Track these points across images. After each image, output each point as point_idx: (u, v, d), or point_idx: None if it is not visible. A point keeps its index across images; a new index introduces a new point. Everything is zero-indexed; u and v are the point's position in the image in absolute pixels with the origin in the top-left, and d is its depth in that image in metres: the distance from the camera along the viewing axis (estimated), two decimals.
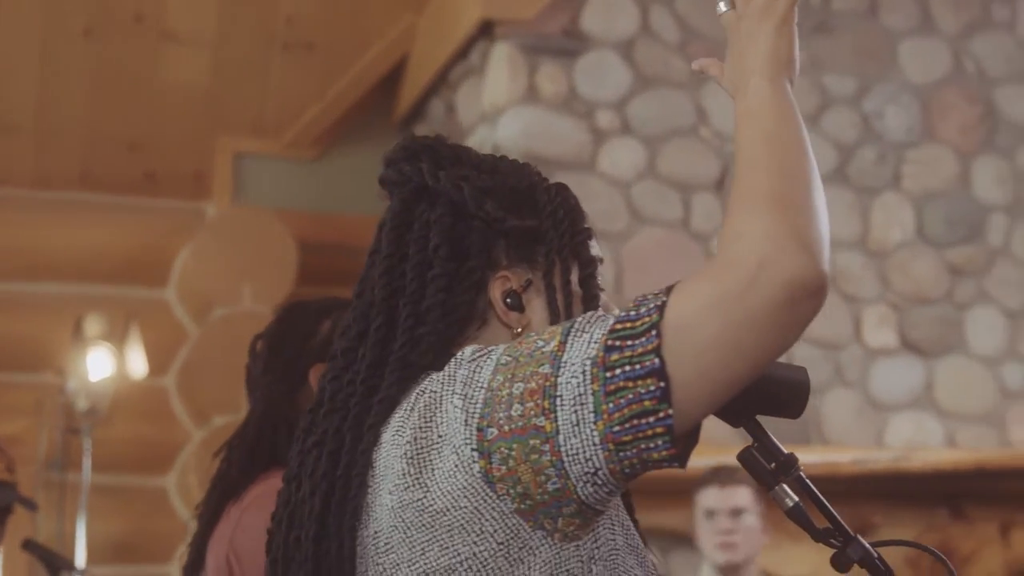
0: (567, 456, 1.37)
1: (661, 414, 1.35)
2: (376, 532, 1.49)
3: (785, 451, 1.77)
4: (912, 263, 5.80)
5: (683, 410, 1.37)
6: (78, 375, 5.49)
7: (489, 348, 1.48)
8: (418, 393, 1.50)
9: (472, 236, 1.61)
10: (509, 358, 1.43)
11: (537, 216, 1.65)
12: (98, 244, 5.97)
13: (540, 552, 1.42)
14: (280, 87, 6.18)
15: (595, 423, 1.36)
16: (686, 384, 1.35)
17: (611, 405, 1.35)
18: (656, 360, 1.35)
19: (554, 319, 1.61)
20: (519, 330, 1.61)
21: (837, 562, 1.75)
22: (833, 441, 5.52)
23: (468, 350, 1.49)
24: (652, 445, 1.36)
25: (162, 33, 5.90)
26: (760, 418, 1.78)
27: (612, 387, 1.36)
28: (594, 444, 1.36)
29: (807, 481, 1.76)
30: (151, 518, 5.87)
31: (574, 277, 1.65)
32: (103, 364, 5.52)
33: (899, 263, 5.79)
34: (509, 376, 1.41)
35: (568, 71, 5.52)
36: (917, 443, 5.62)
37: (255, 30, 6.02)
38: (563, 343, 1.40)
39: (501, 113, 5.47)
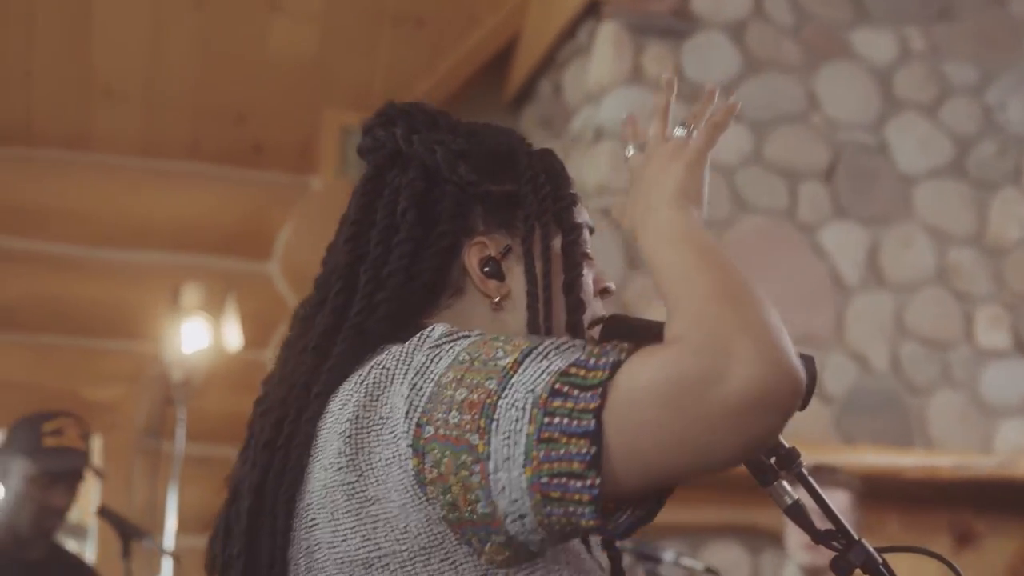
0: (495, 487, 1.26)
1: (588, 481, 1.22)
2: (307, 505, 1.42)
3: (787, 445, 1.65)
4: None
5: (613, 481, 1.23)
6: (174, 345, 5.50)
7: (459, 333, 1.38)
8: (372, 366, 1.41)
9: (445, 201, 1.54)
10: (467, 357, 1.33)
11: (516, 181, 1.56)
12: (202, 214, 5.99)
13: (463, 569, 1.32)
14: (389, 62, 6.14)
15: (524, 467, 1.24)
16: (619, 458, 1.22)
17: (542, 454, 1.23)
18: (593, 422, 1.22)
19: (532, 287, 1.52)
20: (498, 299, 1.53)
21: (837, 567, 1.63)
22: (937, 445, 5.31)
23: (438, 330, 1.39)
24: (578, 511, 1.24)
25: (271, 4, 5.89)
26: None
27: (546, 435, 1.24)
28: (521, 488, 1.25)
29: (808, 478, 1.63)
30: None
31: (557, 243, 1.56)
32: (199, 335, 5.52)
33: (1016, 262, 5.55)
34: (459, 377, 1.31)
35: (675, 52, 5.39)
36: None
37: (364, 3, 5.98)
38: (519, 362, 1.29)
39: (605, 94, 5.36)
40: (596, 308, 1.62)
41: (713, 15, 5.43)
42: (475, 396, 1.29)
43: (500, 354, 1.31)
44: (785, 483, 1.63)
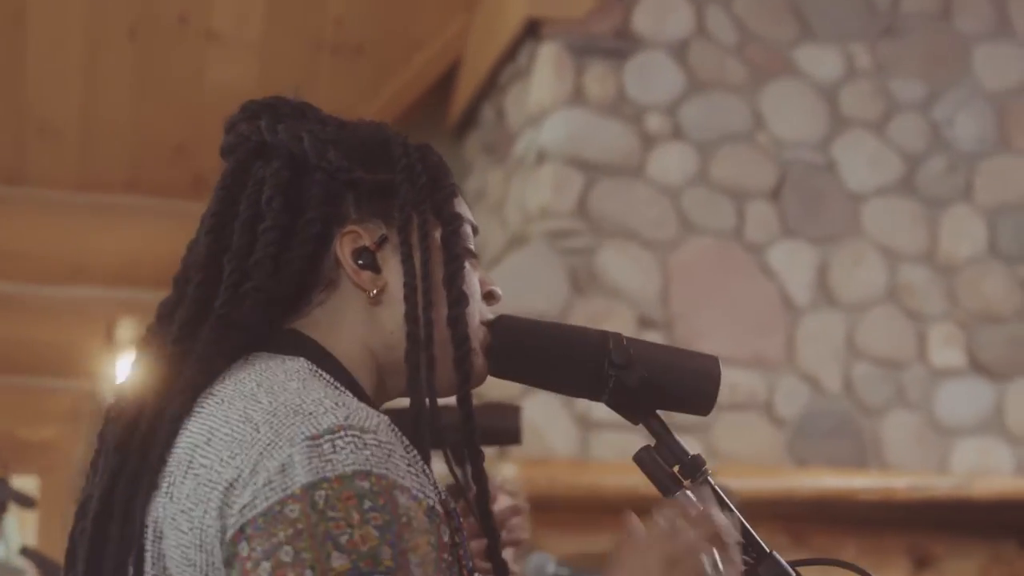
0: None
1: None
2: (156, 520, 1.31)
3: (690, 452, 1.55)
4: (983, 280, 5.48)
5: None
6: (111, 382, 5.37)
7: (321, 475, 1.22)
8: (244, 438, 1.27)
9: (313, 188, 1.44)
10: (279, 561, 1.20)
11: (391, 169, 1.46)
12: (141, 248, 5.86)
13: None
14: (329, 90, 6.02)
15: None
16: None
17: None
18: None
19: (410, 279, 1.42)
20: (374, 292, 1.43)
21: None
22: (893, 466, 5.21)
23: (298, 456, 1.23)
24: None
25: (207, 34, 5.79)
26: (666, 416, 1.57)
27: None
28: None
29: (716, 487, 1.53)
30: None
31: (437, 235, 1.46)
32: None
33: (969, 279, 5.47)
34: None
35: (617, 73, 5.30)
36: (984, 470, 5.29)
37: (302, 32, 5.89)
38: None
39: (546, 116, 5.27)
40: (484, 310, 1.53)
41: (655, 34, 5.35)
42: None
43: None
44: (689, 493, 1.53)
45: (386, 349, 1.43)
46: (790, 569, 1.51)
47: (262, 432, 1.26)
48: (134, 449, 1.34)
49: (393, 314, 1.42)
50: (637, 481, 4.73)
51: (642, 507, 4.22)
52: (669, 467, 1.53)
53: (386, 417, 1.31)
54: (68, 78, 5.75)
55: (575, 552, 4.48)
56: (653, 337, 5.10)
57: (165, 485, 1.31)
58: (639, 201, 5.21)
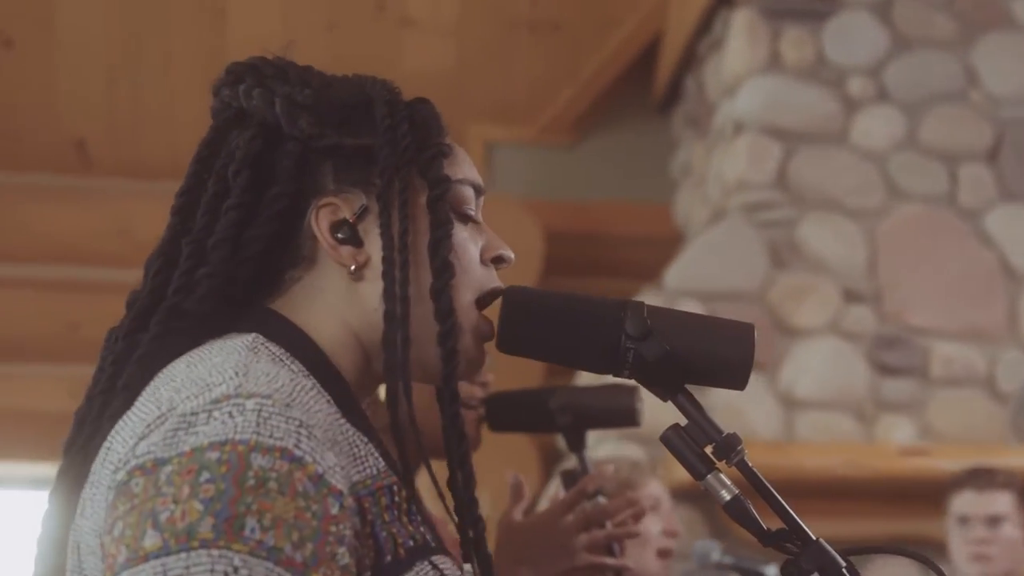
0: None
1: None
2: (80, 510, 1.27)
3: (723, 431, 1.41)
4: None
5: None
6: None
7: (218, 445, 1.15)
8: (155, 420, 1.21)
9: (284, 160, 1.34)
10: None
11: (373, 134, 1.35)
12: None
13: None
14: (528, 71, 5.97)
15: None
16: None
17: None
18: None
19: (388, 251, 1.31)
20: (354, 268, 1.32)
21: (787, 573, 1.37)
22: None
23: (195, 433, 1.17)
24: None
25: (403, 20, 5.80)
26: (696, 390, 1.42)
27: None
28: None
29: (753, 469, 1.38)
30: None
31: (423, 200, 1.35)
32: None
33: None
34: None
35: (815, 35, 5.07)
36: None
37: (498, 12, 5.84)
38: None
39: (742, 85, 5.07)
40: (487, 279, 1.40)
41: None
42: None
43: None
44: (723, 475, 1.38)
45: (369, 328, 1.33)
46: (838, 556, 1.35)
47: (162, 407, 1.21)
48: (78, 449, 1.30)
49: (376, 290, 1.32)
50: (839, 462, 4.52)
51: (845, 490, 4.00)
52: (700, 447, 1.38)
53: (308, 383, 1.24)
54: None
55: None
56: (860, 311, 4.86)
57: (91, 475, 1.26)
58: (842, 169, 4.97)
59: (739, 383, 1.40)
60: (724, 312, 4.73)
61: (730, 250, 4.90)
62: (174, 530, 1.11)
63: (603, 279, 5.84)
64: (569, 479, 2.30)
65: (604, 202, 6.02)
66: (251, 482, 1.12)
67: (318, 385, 1.26)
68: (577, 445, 2.30)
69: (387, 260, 1.31)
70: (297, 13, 5.75)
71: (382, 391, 2.13)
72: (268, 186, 1.33)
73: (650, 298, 4.81)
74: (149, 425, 1.20)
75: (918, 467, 4.54)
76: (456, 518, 1.38)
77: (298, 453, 1.15)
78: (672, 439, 1.38)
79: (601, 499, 2.29)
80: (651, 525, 2.92)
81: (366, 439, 1.27)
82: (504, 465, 5.58)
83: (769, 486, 1.37)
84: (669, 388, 1.39)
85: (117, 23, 5.71)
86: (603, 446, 4.49)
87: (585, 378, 4.45)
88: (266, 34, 5.74)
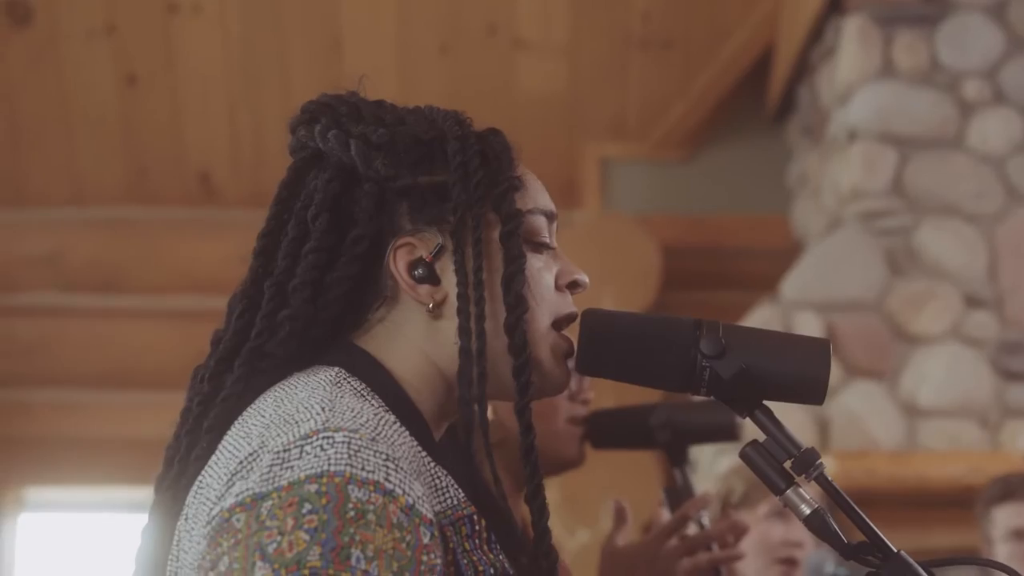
0: None
1: None
2: (177, 544, 1.31)
3: (803, 446, 1.43)
4: None
5: None
6: None
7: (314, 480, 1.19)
8: (250, 454, 1.25)
9: (363, 201, 1.38)
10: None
11: (446, 170, 1.39)
12: None
13: None
14: (641, 87, 5.99)
15: None
16: None
17: None
18: None
19: (462, 288, 1.36)
20: (431, 306, 1.36)
21: None
22: None
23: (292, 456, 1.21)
24: None
25: (515, 42, 5.85)
26: (773, 405, 1.45)
27: None
28: None
29: (832, 483, 1.40)
30: None
31: (496, 235, 1.38)
32: None
33: None
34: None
35: (928, 40, 5.03)
36: None
37: (610, 31, 5.86)
38: None
39: (855, 92, 5.04)
40: (562, 304, 1.44)
41: None
42: None
43: None
44: (802, 490, 1.40)
45: (451, 361, 1.36)
46: (921, 570, 1.36)
47: (252, 444, 1.25)
48: (167, 488, 1.35)
49: (455, 325, 1.36)
50: (964, 471, 4.45)
51: (971, 499, 3.92)
52: (779, 463, 1.40)
53: (390, 417, 1.28)
54: (385, 98, 5.89)
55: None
56: (982, 317, 4.80)
57: (185, 510, 1.32)
58: (959, 173, 4.91)
59: (816, 398, 1.42)
60: (843, 321, 4.74)
61: (847, 259, 4.87)
62: (283, 560, 1.14)
63: (722, 292, 5.83)
64: (672, 495, 2.32)
65: (721, 215, 6.01)
66: (351, 513, 1.16)
67: (398, 420, 1.30)
68: (678, 461, 2.32)
69: (461, 297, 1.35)
70: (410, 39, 5.83)
71: (488, 409, 2.18)
72: (347, 228, 1.37)
73: (768, 310, 4.82)
74: (242, 462, 1.24)
75: None
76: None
77: (389, 486, 1.19)
78: (751, 455, 1.41)
79: (705, 520, 2.31)
80: (772, 531, 2.93)
81: (444, 471, 1.31)
82: (629, 479, 5.62)
83: (849, 500, 1.39)
84: (746, 405, 1.41)
85: (237, 57, 5.85)
86: (723, 459, 4.49)
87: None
88: (381, 61, 5.84)
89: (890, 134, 4.95)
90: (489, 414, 2.20)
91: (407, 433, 1.29)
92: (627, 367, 1.44)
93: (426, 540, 1.19)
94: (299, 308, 1.35)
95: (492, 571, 1.27)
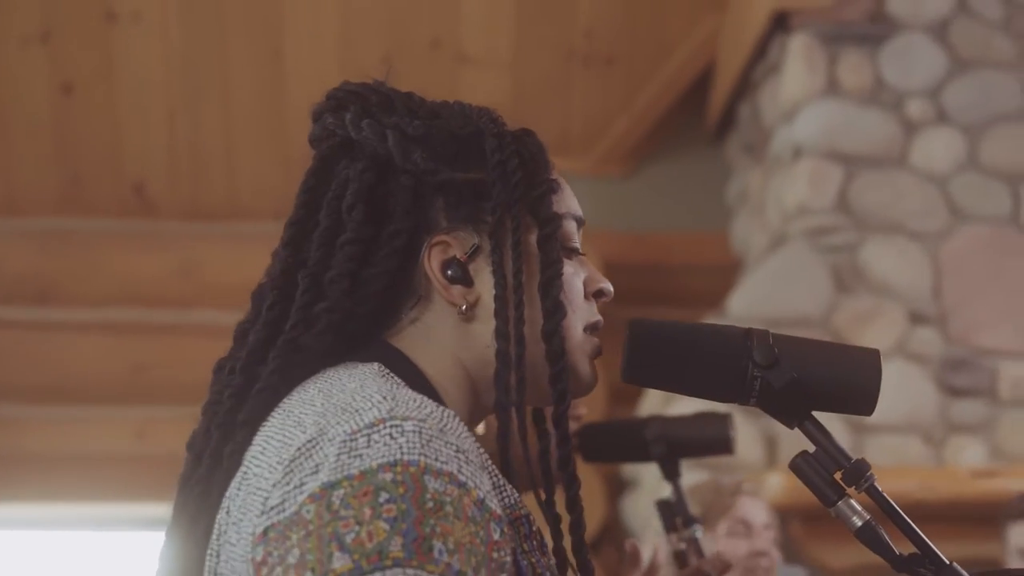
0: None
1: None
2: (217, 538, 1.27)
3: (852, 457, 1.41)
4: None
5: None
6: None
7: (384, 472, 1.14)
8: (307, 443, 1.20)
9: (399, 194, 1.35)
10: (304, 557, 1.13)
11: (483, 167, 1.36)
12: None
13: None
14: (584, 103, 6.00)
15: None
16: None
17: None
18: None
19: (501, 290, 1.32)
20: (464, 307, 1.34)
21: None
22: None
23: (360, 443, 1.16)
24: None
25: (459, 56, 5.83)
26: (821, 416, 1.43)
27: None
28: None
29: (883, 494, 1.39)
30: None
31: (533, 238, 1.36)
32: None
33: None
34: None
35: (873, 59, 5.08)
36: None
37: (553, 46, 5.87)
38: None
39: (800, 110, 5.08)
40: (591, 312, 1.41)
41: (912, 16, 5.10)
42: None
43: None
44: (853, 502, 1.39)
45: (480, 364, 1.34)
46: None
47: (308, 432, 1.20)
48: (198, 481, 1.31)
49: (488, 329, 1.33)
50: (912, 486, 4.44)
51: (918, 514, 3.94)
52: (829, 474, 1.38)
53: (451, 411, 1.23)
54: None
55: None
56: (927, 334, 4.85)
57: (225, 504, 1.27)
58: (903, 192, 4.97)
59: (867, 409, 1.41)
60: None
61: (793, 276, 4.90)
62: (364, 551, 1.09)
63: (663, 308, 5.82)
64: (665, 509, 2.32)
65: (662, 231, 6.03)
66: (430, 504, 1.11)
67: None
68: (672, 474, 2.31)
69: (499, 299, 1.32)
70: (352, 50, 5.79)
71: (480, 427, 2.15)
72: (383, 221, 1.34)
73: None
74: (299, 449, 1.19)
75: (989, 489, 4.51)
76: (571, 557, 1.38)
77: (462, 478, 1.15)
78: (801, 466, 1.39)
79: (698, 531, 2.30)
80: (739, 547, 2.93)
81: (498, 471, 1.29)
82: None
83: (901, 511, 1.38)
84: (796, 415, 1.40)
85: (177, 67, 5.77)
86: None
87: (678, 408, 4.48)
88: (323, 72, 5.79)
89: (836, 152, 4.99)
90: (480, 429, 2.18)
91: (467, 428, 1.25)
92: (675, 377, 1.42)
93: (496, 536, 1.15)
94: (337, 301, 1.31)
95: (549, 574, 1.26)
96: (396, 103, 1.40)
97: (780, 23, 5.20)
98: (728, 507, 3.00)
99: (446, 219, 1.35)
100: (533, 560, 1.25)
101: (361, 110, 1.38)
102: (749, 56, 5.46)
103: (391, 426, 1.16)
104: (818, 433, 1.40)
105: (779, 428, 4.62)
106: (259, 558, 1.16)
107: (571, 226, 1.40)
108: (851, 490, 1.39)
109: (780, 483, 4.30)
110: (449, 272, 1.34)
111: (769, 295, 4.91)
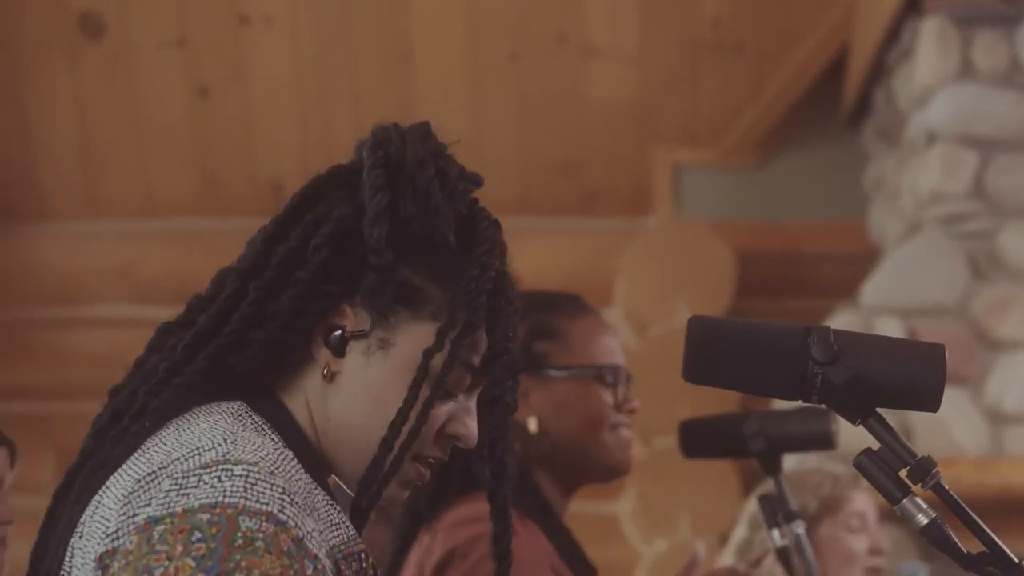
0: None
1: None
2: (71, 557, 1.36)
3: (918, 454, 1.38)
4: None
5: None
6: None
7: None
8: (143, 481, 1.30)
9: (349, 260, 1.39)
10: None
11: (440, 283, 1.39)
12: (540, 268, 5.93)
13: None
14: (712, 92, 5.94)
15: None
16: None
17: None
18: None
19: (411, 396, 1.37)
20: (325, 370, 1.38)
21: None
22: None
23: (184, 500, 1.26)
24: None
25: (586, 49, 5.83)
26: (885, 412, 1.41)
27: None
28: None
29: (950, 491, 1.36)
30: (603, 545, 5.74)
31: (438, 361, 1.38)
32: None
33: None
34: None
35: (1008, 40, 4.94)
36: None
37: (680, 36, 5.83)
38: None
39: (933, 94, 4.96)
40: (432, 448, 1.44)
41: None
42: None
43: None
44: (919, 499, 1.36)
45: (326, 423, 1.40)
46: None
47: (152, 466, 1.30)
48: (80, 472, 1.38)
49: (339, 402, 1.38)
50: None
51: None
52: (894, 471, 1.36)
53: (288, 453, 1.33)
54: (455, 107, 5.91)
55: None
56: None
57: (80, 528, 1.34)
58: None
59: (931, 405, 1.38)
60: (926, 327, 4.66)
61: (928, 264, 4.80)
62: None
63: (797, 299, 5.77)
64: (766, 504, 2.29)
65: (795, 221, 5.95)
66: (239, 542, 1.21)
67: (295, 457, 1.34)
68: (772, 470, 2.28)
69: (408, 402, 1.36)
70: (480, 48, 5.82)
71: (532, 423, 2.16)
72: (332, 272, 1.37)
73: (848, 315, 4.76)
74: (139, 481, 1.29)
75: None
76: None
77: (283, 518, 1.24)
78: (865, 464, 1.37)
79: (799, 527, 2.27)
80: (857, 544, 2.87)
81: (338, 508, 1.35)
82: (704, 488, 5.56)
83: (968, 509, 1.34)
84: (859, 412, 1.37)
85: (308, 68, 5.86)
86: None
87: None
88: (450, 71, 5.84)
89: (970, 136, 4.87)
90: (533, 425, 2.20)
91: (303, 470, 1.33)
92: (736, 375, 1.40)
93: (309, 572, 1.24)
94: (272, 335, 1.37)
95: None
96: (419, 178, 1.40)
97: (912, 6, 5.08)
98: (847, 499, 2.94)
99: (363, 294, 1.38)
100: None
101: (387, 158, 1.40)
102: (882, 40, 5.35)
103: (222, 469, 1.26)
104: (882, 430, 1.37)
105: (914, 419, 4.53)
106: None
107: (464, 377, 1.40)
108: (915, 488, 1.36)
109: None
110: (331, 336, 1.38)
111: (903, 284, 4.81)
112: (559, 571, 2.14)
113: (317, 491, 1.33)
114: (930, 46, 4.99)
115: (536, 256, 5.95)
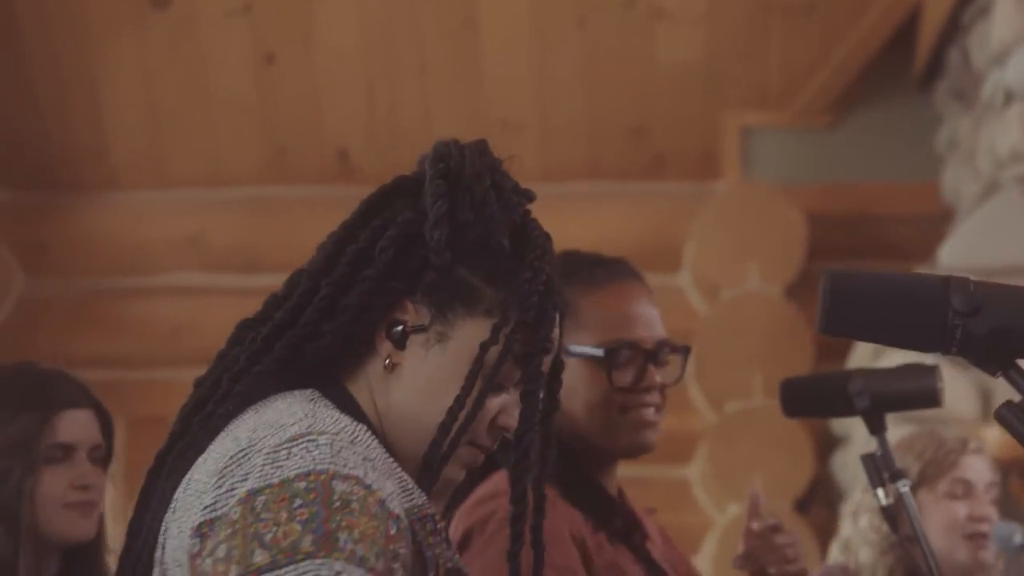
0: None
1: None
2: (165, 531, 1.47)
3: None
4: None
5: None
6: None
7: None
8: (239, 455, 1.41)
9: (412, 260, 1.49)
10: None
11: (495, 284, 1.49)
12: (608, 233, 5.89)
13: None
14: (782, 54, 5.88)
15: None
16: None
17: None
18: None
19: (465, 391, 1.47)
20: (387, 361, 1.49)
21: None
22: None
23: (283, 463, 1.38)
24: None
25: (654, 12, 5.77)
26: None
27: None
28: None
29: None
30: (674, 510, 5.73)
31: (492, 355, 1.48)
32: None
33: None
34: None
35: None
36: None
37: None
38: None
39: (1011, 53, 4.88)
40: (485, 436, 1.53)
41: None
42: None
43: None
44: None
45: (388, 410, 1.49)
46: None
47: (240, 444, 1.41)
48: (173, 453, 1.50)
49: (400, 390, 1.49)
50: None
51: None
52: None
53: (363, 426, 1.45)
54: (522, 73, 5.88)
55: None
56: None
57: (173, 503, 1.46)
58: None
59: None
60: None
61: (1006, 224, 4.74)
62: (280, 547, 1.31)
63: (869, 261, 5.71)
64: (870, 463, 2.25)
65: (867, 182, 5.89)
66: (337, 503, 1.33)
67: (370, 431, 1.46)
68: (877, 428, 2.25)
69: (460, 398, 1.46)
70: (546, 12, 5.78)
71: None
72: (396, 271, 1.48)
73: None
74: (231, 458, 1.40)
75: None
76: None
77: (368, 482, 1.36)
78: (1007, 416, 1.33)
79: (904, 486, 2.24)
80: (957, 510, 2.84)
81: (408, 476, 1.46)
82: (777, 452, 5.51)
83: None
84: (999, 364, 1.34)
85: (374, 35, 5.84)
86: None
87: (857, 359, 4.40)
88: (516, 36, 5.80)
89: None
90: None
91: (378, 441, 1.45)
92: (873, 327, 1.37)
93: (393, 532, 1.36)
94: (342, 327, 1.48)
95: (451, 565, 1.45)
96: (476, 187, 1.48)
97: None
98: (952, 465, 2.90)
99: (424, 292, 1.49)
100: (438, 552, 1.44)
101: (448, 169, 1.48)
102: (957, 0, 5.27)
103: (308, 440, 1.38)
104: (1023, 382, 1.33)
105: (994, 380, 4.47)
106: (194, 550, 1.37)
107: (514, 371, 1.49)
108: None
109: (996, 437, 4.15)
110: (394, 329, 1.49)
111: (981, 244, 4.75)
112: (581, 533, 2.08)
113: (391, 459, 1.44)
114: (1007, 3, 4.90)
115: (605, 221, 5.93)
